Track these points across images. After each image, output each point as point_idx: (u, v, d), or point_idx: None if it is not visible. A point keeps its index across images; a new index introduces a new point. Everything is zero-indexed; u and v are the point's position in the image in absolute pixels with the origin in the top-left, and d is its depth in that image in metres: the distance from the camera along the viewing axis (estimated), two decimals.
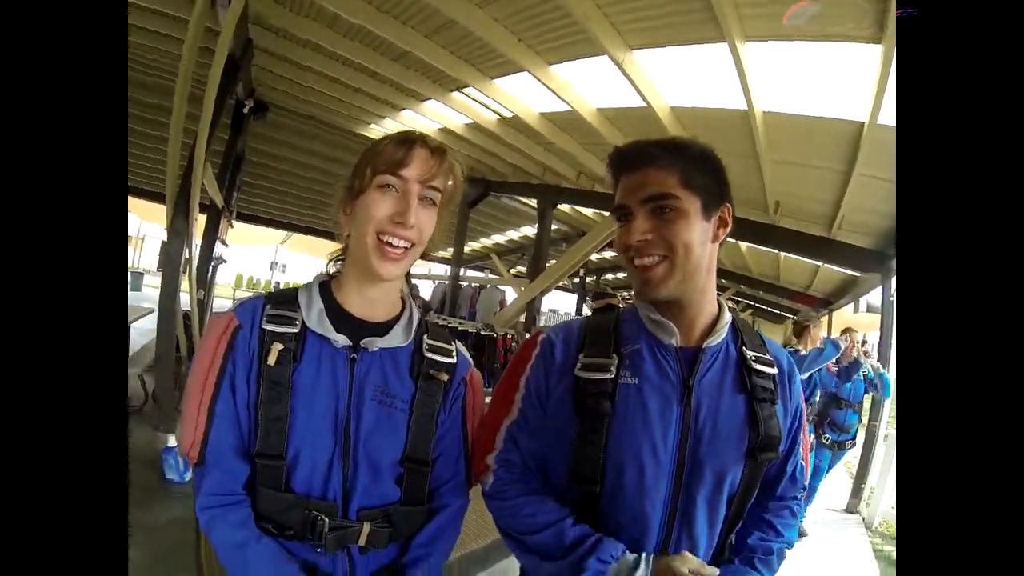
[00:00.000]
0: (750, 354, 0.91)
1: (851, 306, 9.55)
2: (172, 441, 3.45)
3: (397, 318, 0.96)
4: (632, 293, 0.95)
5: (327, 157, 7.57)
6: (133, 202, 10.60)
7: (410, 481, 0.92)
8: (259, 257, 22.26)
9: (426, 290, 9.81)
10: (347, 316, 0.92)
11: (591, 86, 4.29)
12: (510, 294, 9.51)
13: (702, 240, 0.86)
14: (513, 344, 6.74)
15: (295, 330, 0.87)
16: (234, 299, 14.12)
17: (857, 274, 6.98)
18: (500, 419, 0.96)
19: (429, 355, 0.95)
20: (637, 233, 0.85)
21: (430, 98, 5.24)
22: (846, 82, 3.29)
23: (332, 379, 0.88)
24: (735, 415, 0.87)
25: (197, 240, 4.80)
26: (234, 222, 8.34)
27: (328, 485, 0.86)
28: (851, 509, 4.98)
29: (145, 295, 13.31)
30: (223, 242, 6.68)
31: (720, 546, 0.92)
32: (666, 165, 0.85)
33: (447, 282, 10.07)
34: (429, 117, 5.81)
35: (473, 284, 10.17)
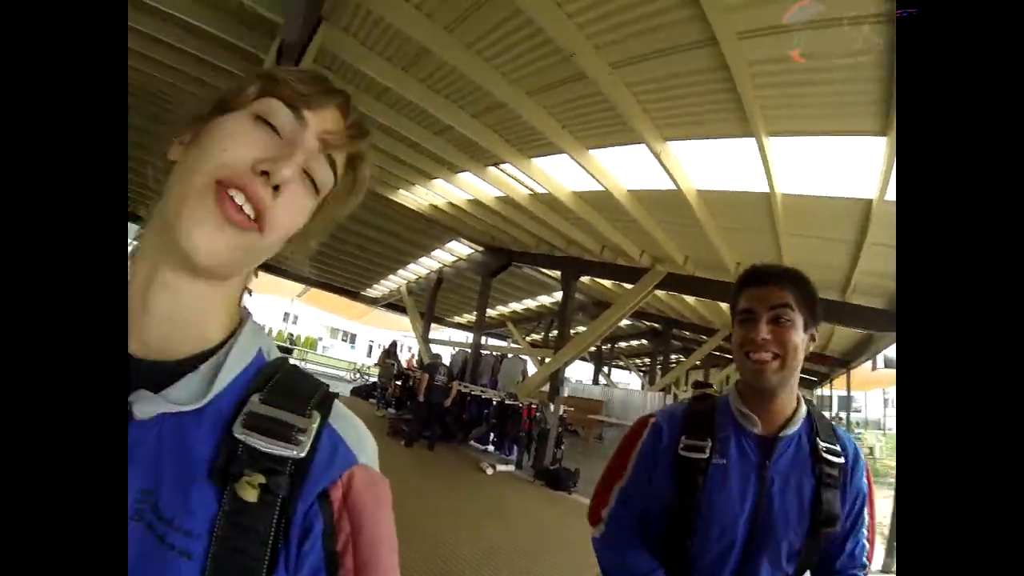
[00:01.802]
0: (822, 444, 1.08)
1: (869, 364, 10.20)
2: None
3: (212, 351, 0.50)
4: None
5: (356, 218, 7.89)
6: None
7: None
8: (275, 307, 22.64)
9: (444, 356, 9.86)
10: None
11: (625, 169, 4.54)
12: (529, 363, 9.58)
13: (803, 348, 1.06)
14: (537, 413, 6.79)
15: None
16: None
17: (872, 332, 7.42)
18: (613, 482, 1.16)
19: (244, 437, 0.45)
20: (761, 333, 1.04)
21: (465, 170, 5.51)
22: (856, 167, 3.61)
23: None
24: (802, 495, 1.05)
25: None
26: (257, 271, 8.69)
27: None
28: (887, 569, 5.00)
29: None
30: (248, 291, 6.94)
31: None
32: (786, 285, 1.07)
33: (468, 350, 10.16)
34: (460, 187, 6.07)
35: (494, 352, 10.25)
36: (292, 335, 22.98)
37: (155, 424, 0.45)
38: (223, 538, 0.43)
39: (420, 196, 6.76)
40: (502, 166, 5.15)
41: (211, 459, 0.44)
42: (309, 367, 16.77)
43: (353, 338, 27.30)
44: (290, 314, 23.51)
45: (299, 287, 16.24)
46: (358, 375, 17.32)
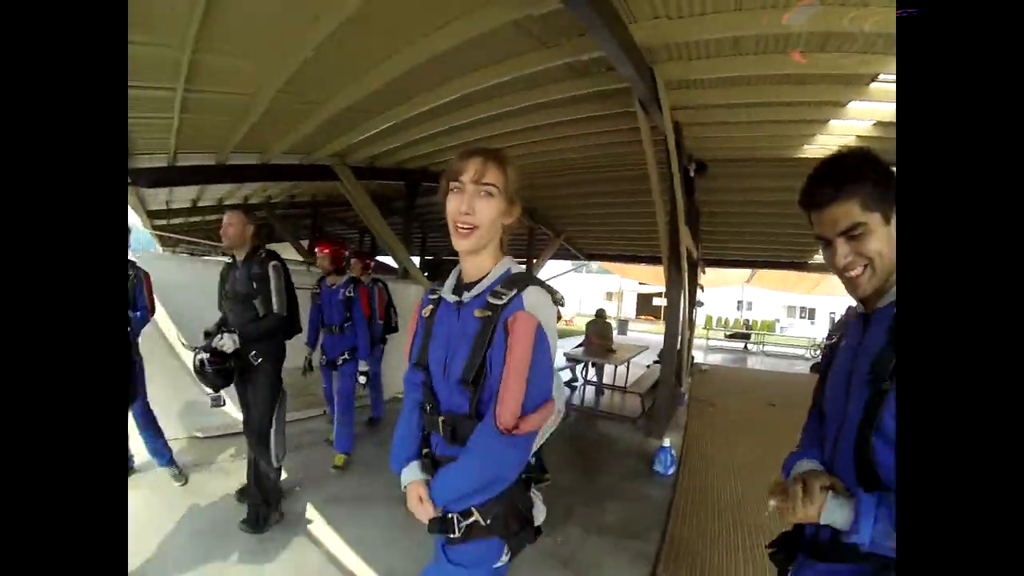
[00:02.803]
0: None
1: None
2: (666, 442, 4.50)
3: (485, 275, 1.30)
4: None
5: (769, 189, 7.86)
6: (614, 266, 13.49)
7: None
8: (726, 298, 23.50)
9: None
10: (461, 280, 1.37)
11: None
12: None
13: (890, 241, 1.03)
14: None
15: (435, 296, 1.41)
16: (706, 340, 15.81)
17: None
18: None
19: (489, 298, 1.24)
20: (841, 259, 1.06)
21: (850, 99, 4.93)
22: None
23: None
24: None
25: (676, 289, 5.98)
26: (706, 269, 9.62)
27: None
28: None
29: (629, 338, 16.74)
30: (701, 287, 7.87)
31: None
32: (845, 198, 1.03)
33: None
34: (856, 117, 5.39)
35: None
36: (748, 321, 23.19)
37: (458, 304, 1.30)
38: (480, 335, 1.22)
39: (826, 145, 6.31)
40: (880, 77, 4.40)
41: (479, 307, 1.23)
42: (768, 350, 16.39)
43: (812, 313, 25.44)
44: (743, 301, 23.92)
45: (746, 273, 16.48)
46: (816, 351, 16.21)
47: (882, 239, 1.02)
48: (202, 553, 2.67)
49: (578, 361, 7.85)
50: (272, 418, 2.98)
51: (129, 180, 5.01)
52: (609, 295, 28.93)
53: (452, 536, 1.30)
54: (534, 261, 11.91)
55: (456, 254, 1.32)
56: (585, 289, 30.75)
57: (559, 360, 8.91)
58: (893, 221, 1.01)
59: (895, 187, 1.00)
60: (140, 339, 3.51)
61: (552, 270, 14.08)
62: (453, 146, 5.69)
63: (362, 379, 3.98)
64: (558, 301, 1.28)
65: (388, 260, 10.23)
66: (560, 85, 4.04)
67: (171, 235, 10.14)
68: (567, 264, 14.41)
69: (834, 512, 1.00)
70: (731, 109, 4.98)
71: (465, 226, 1.23)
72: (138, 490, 3.33)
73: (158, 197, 7.33)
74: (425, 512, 1.32)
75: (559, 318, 1.28)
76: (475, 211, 1.22)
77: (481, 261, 1.31)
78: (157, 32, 2.83)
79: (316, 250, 4.17)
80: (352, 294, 4.04)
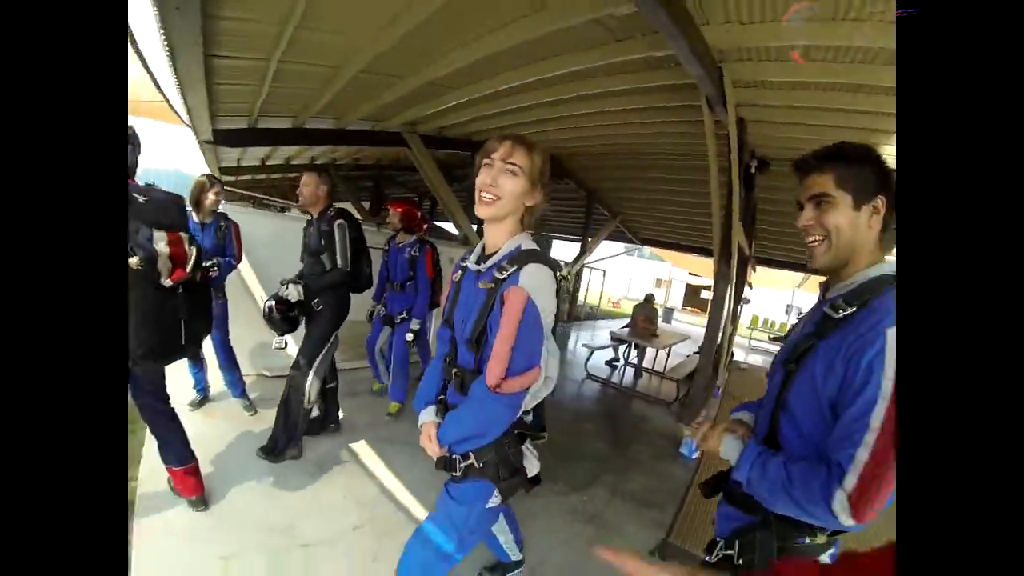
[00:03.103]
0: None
1: None
2: (687, 431, 4.73)
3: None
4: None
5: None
6: (667, 253, 13.41)
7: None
8: (776, 300, 22.86)
9: None
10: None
11: None
12: None
13: (852, 225, 1.10)
14: None
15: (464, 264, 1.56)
16: (749, 339, 15.53)
17: None
18: None
19: (495, 272, 1.38)
20: (802, 219, 1.16)
21: None
22: None
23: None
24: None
25: (725, 284, 6.02)
26: (757, 267, 9.49)
27: None
28: None
29: (673, 326, 16.78)
30: (749, 285, 7.82)
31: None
32: (824, 170, 1.11)
33: None
34: None
35: None
36: (794, 327, 22.26)
37: (477, 273, 1.47)
38: (484, 304, 1.39)
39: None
40: None
41: (487, 279, 1.40)
42: None
43: None
44: (792, 306, 23.23)
45: (798, 277, 15.98)
46: None
47: (845, 218, 1.10)
48: (265, 470, 3.06)
49: (622, 341, 8.04)
50: (315, 362, 3.11)
51: (211, 139, 5.37)
52: (658, 282, 28.56)
53: (454, 475, 1.50)
54: (589, 240, 12.03)
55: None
56: (635, 272, 30.48)
57: (603, 338, 9.08)
58: (863, 210, 1.09)
59: (877, 184, 1.08)
60: (226, 283, 3.95)
61: (605, 251, 14.15)
62: (524, 123, 5.88)
63: (409, 336, 4.10)
64: (556, 269, 1.40)
65: (448, 226, 10.56)
66: (630, 76, 4.16)
67: (238, 191, 10.70)
68: (620, 247, 14.41)
69: (729, 450, 1.22)
70: (797, 111, 4.95)
71: (488, 195, 1.38)
72: (213, 417, 3.77)
73: (231, 155, 7.74)
74: (432, 449, 1.50)
75: (561, 293, 1.43)
76: (499, 184, 1.37)
77: (499, 234, 1.45)
78: (260, 9, 3.07)
79: (388, 208, 4.31)
80: (417, 253, 4.14)
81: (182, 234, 2.24)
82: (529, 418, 1.55)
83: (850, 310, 1.06)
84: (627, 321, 8.88)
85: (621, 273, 27.75)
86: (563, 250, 15.73)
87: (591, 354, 7.90)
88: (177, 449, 2.51)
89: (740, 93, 4.12)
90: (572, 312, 14.85)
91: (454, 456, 1.49)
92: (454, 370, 1.53)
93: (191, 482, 2.56)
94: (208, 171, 5.61)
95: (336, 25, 3.35)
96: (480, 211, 1.41)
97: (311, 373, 3.10)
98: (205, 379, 4.07)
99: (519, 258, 1.37)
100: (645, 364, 8.49)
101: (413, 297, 4.18)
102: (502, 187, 1.38)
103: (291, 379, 3.14)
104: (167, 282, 2.19)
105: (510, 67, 4.10)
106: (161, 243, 2.16)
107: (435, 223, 10.65)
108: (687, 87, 4.09)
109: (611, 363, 8.56)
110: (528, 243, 1.44)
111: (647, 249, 15.42)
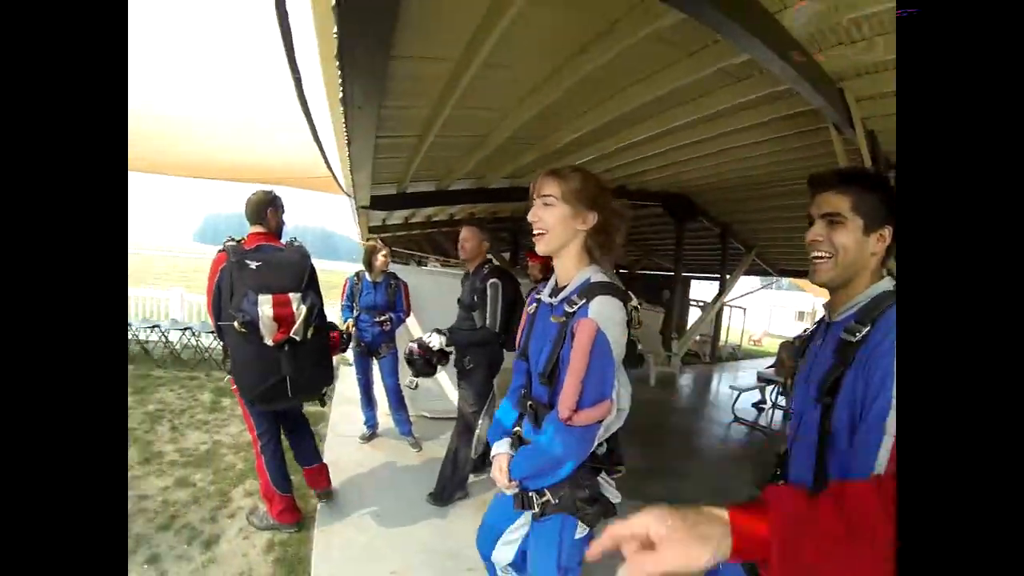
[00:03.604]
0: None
1: None
2: None
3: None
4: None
5: None
6: (807, 284, 12.39)
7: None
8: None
9: None
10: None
11: None
12: None
13: (859, 249, 1.12)
14: None
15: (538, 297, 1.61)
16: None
17: None
18: None
19: (564, 306, 1.42)
20: (812, 234, 1.16)
21: None
22: None
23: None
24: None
25: None
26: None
27: None
28: None
29: None
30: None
31: None
32: (841, 191, 1.13)
33: None
34: None
35: None
36: None
37: (551, 306, 1.51)
38: (556, 338, 1.44)
39: None
40: None
41: (559, 314, 1.46)
42: None
43: None
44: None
45: None
46: None
47: (854, 240, 1.12)
48: (427, 508, 3.40)
49: (770, 382, 7.62)
50: (479, 415, 3.29)
51: (368, 205, 6.01)
52: (801, 315, 26.35)
53: (534, 512, 1.48)
54: (727, 277, 11.63)
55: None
56: (775, 305, 28.36)
57: (747, 379, 8.63)
58: (872, 238, 1.12)
59: (888, 213, 1.11)
60: (397, 334, 4.52)
61: (744, 287, 13.47)
62: (650, 169, 6.04)
63: None
64: (626, 301, 1.40)
65: None
66: (753, 112, 4.21)
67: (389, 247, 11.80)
68: (757, 281, 13.67)
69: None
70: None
71: (536, 231, 1.44)
72: (381, 451, 4.32)
73: (378, 215, 8.41)
74: (502, 482, 1.51)
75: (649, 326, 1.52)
76: (541, 218, 1.43)
77: (567, 267, 1.49)
78: (423, 96, 3.48)
79: (528, 260, 4.43)
80: None
81: (293, 295, 2.42)
82: (602, 450, 1.51)
83: (864, 330, 1.05)
84: (772, 361, 8.36)
85: (760, 308, 25.95)
86: (703, 289, 15.18)
87: (738, 396, 7.55)
88: (272, 475, 2.96)
89: (866, 106, 4.00)
90: (714, 353, 14.23)
91: (530, 494, 1.49)
92: (528, 403, 1.54)
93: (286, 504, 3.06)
94: (360, 231, 6.25)
95: (485, 103, 3.77)
96: (538, 248, 1.46)
97: (477, 425, 3.30)
98: (375, 417, 4.71)
99: (589, 291, 1.37)
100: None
101: None
102: (544, 220, 1.43)
103: (457, 431, 3.42)
104: (269, 342, 2.41)
105: (639, 120, 4.33)
106: (266, 306, 2.32)
107: None
108: (811, 112, 4.05)
109: (758, 405, 8.08)
110: (598, 275, 1.44)
111: (785, 280, 14.43)
